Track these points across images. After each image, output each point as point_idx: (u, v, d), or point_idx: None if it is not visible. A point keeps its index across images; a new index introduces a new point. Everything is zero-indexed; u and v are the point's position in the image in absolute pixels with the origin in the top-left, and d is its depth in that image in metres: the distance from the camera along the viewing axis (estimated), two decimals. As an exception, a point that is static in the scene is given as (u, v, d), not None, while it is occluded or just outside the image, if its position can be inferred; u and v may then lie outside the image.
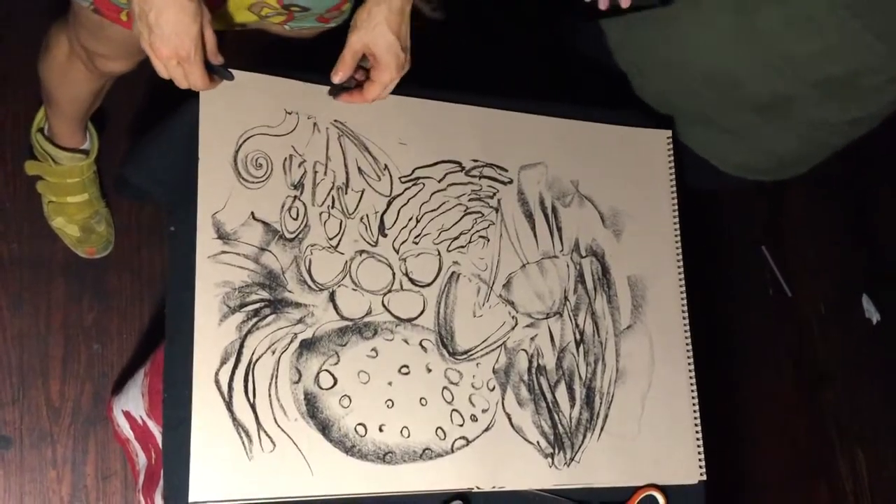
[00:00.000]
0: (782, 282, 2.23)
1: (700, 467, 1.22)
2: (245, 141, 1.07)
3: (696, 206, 1.95)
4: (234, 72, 1.06)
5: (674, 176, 1.30)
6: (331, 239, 1.10)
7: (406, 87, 1.12)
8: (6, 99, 1.70)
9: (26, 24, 1.71)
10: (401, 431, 1.08)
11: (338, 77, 1.07)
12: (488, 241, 1.18)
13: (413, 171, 1.16)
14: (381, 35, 1.01)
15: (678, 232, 1.29)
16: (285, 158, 1.09)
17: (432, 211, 1.16)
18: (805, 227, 2.28)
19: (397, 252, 1.13)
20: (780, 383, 2.18)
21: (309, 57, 1.22)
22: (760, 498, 2.09)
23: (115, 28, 1.10)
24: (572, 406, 1.18)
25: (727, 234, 2.21)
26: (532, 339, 1.18)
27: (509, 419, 1.14)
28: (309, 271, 1.08)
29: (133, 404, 1.46)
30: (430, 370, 1.11)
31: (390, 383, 1.09)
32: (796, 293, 2.24)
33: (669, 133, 1.32)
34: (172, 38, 0.92)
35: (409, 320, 1.12)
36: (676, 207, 1.30)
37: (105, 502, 1.62)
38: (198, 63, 0.96)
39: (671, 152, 1.31)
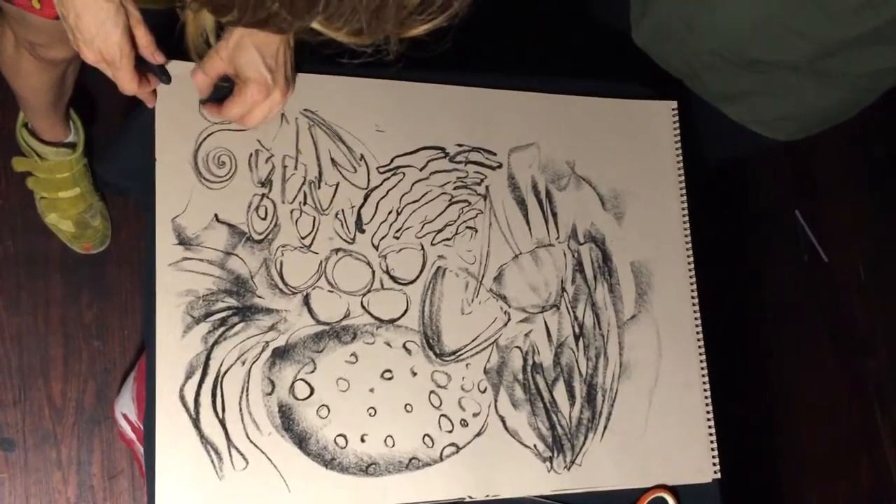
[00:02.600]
0: (818, 247, 2.10)
1: (714, 465, 1.14)
2: (206, 138, 1.00)
3: (721, 171, 1.83)
4: (191, 65, 1.00)
5: (680, 150, 1.20)
6: (303, 238, 1.03)
7: (381, 68, 1.03)
8: (-5, 94, 1.65)
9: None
10: (385, 441, 1.02)
11: (203, 93, 0.99)
12: (476, 231, 1.10)
13: (392, 161, 1.08)
14: (240, 47, 0.93)
15: (686, 211, 1.19)
16: (251, 154, 1.02)
17: (414, 202, 1.08)
18: (839, 187, 2.15)
19: (377, 248, 1.06)
20: (818, 354, 2.07)
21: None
22: (798, 476, 1.99)
23: (33, 16, 1.04)
24: (572, 405, 1.10)
25: (756, 199, 2.09)
26: (526, 334, 1.10)
27: (503, 422, 1.07)
28: (280, 274, 1.01)
29: (128, 408, 1.43)
30: (415, 374, 1.04)
31: (372, 390, 1.02)
32: (833, 258, 2.12)
33: (675, 104, 1.21)
34: (96, 42, 0.86)
35: (392, 321, 1.05)
36: (684, 184, 1.20)
37: (113, 502, 1.60)
38: (125, 67, 0.89)
39: (677, 125, 1.21)
